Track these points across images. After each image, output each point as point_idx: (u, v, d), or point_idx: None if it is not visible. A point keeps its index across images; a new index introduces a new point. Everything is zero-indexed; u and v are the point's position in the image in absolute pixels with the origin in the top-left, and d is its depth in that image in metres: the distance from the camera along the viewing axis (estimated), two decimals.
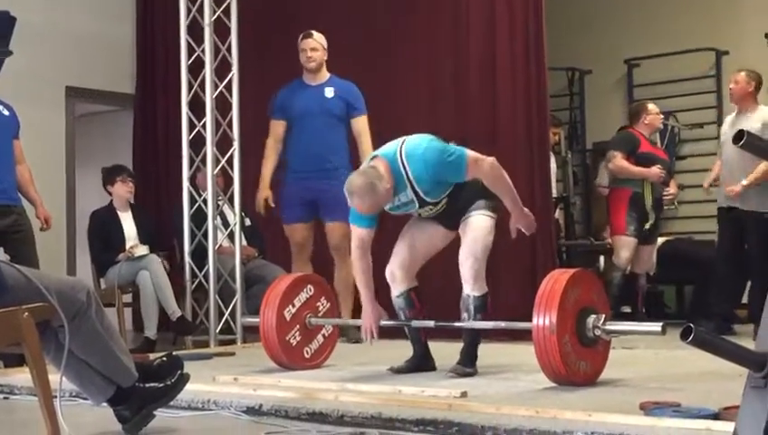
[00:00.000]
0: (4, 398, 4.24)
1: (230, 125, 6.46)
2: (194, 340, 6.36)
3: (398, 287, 4.40)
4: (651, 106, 6.86)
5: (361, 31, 6.89)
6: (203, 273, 6.37)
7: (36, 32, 7.03)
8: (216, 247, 6.35)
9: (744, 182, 6.07)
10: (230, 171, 6.47)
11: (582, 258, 7.95)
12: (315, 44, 6.04)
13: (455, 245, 4.33)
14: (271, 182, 6.12)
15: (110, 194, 6.78)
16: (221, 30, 6.49)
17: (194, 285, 6.44)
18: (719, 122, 8.44)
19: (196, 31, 6.49)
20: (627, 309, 6.99)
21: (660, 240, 7.26)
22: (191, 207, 6.46)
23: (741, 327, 6.39)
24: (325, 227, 6.02)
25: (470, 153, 4.15)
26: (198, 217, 6.45)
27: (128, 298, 6.62)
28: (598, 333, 3.83)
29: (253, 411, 3.60)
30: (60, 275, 3.42)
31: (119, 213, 6.72)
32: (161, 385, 3.28)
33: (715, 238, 6.79)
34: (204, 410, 3.69)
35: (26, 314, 2.84)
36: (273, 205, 6.13)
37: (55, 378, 2.93)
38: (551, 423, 3.03)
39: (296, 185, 6.03)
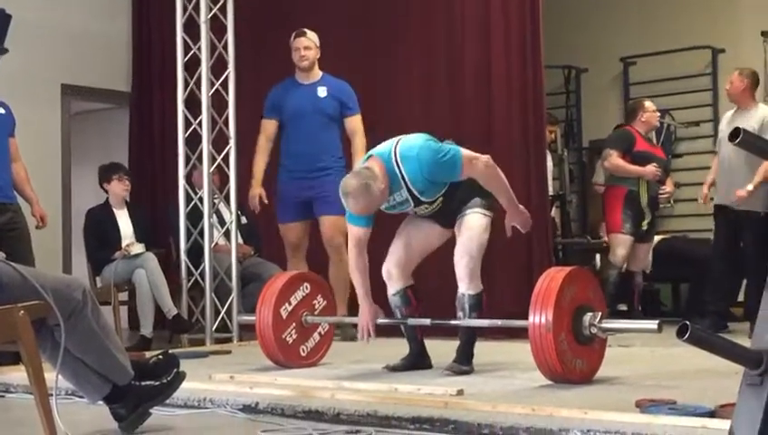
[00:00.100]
0: (0, 396, 4.24)
1: (226, 123, 6.46)
2: (190, 338, 6.36)
3: (394, 285, 4.40)
4: (648, 104, 6.85)
5: (356, 29, 6.88)
6: (199, 271, 6.37)
7: (32, 29, 7.01)
8: (212, 245, 6.35)
9: (750, 187, 6.03)
10: (226, 169, 6.47)
11: (578, 256, 7.95)
12: (308, 43, 6.03)
13: (451, 243, 4.33)
14: (263, 180, 6.12)
15: (107, 192, 6.77)
16: (217, 27, 6.48)
17: (190, 284, 6.44)
18: (715, 120, 8.46)
19: (192, 28, 6.48)
20: (623, 307, 7.00)
21: (656, 238, 7.27)
22: (187, 206, 6.46)
23: (736, 325, 6.41)
24: (319, 221, 6.02)
25: (465, 152, 4.14)
26: (194, 216, 6.44)
27: (123, 296, 6.62)
28: (594, 330, 3.83)
29: (249, 410, 3.60)
30: (56, 274, 3.41)
31: (114, 211, 6.71)
32: (157, 383, 3.28)
33: (711, 236, 6.79)
34: (200, 409, 3.69)
35: (22, 312, 2.84)
36: (266, 201, 6.13)
37: (51, 376, 2.93)
38: (547, 421, 3.03)
39: (290, 184, 6.03)
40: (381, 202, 4.12)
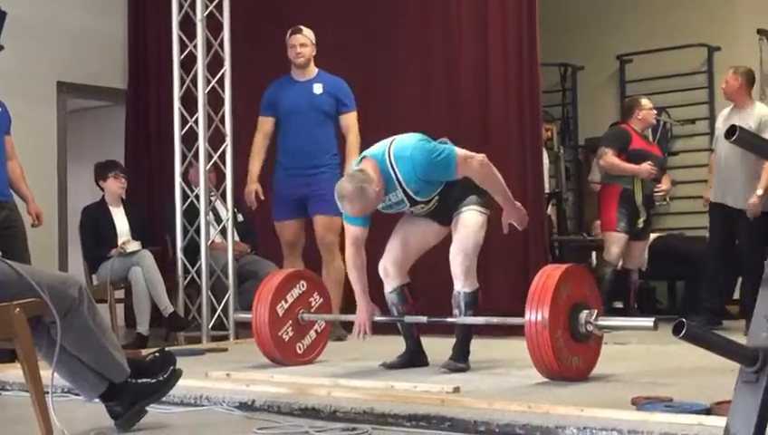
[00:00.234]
0: None
1: (222, 120, 6.46)
2: (186, 336, 6.35)
3: (390, 283, 4.41)
4: (645, 101, 6.85)
5: (352, 26, 6.88)
6: (195, 269, 6.36)
7: (27, 27, 7.01)
8: (209, 243, 6.35)
9: (760, 192, 6.01)
10: (222, 167, 6.46)
11: (574, 254, 7.97)
12: (304, 40, 6.02)
13: (447, 241, 4.33)
14: (259, 177, 6.12)
15: (103, 190, 6.77)
16: (213, 25, 6.47)
17: (186, 281, 6.43)
18: (711, 118, 8.47)
19: (188, 26, 6.48)
20: (619, 305, 7.01)
21: (652, 236, 7.27)
22: (183, 203, 6.46)
23: (731, 322, 6.41)
24: (312, 220, 6.02)
25: (459, 151, 4.14)
26: (191, 213, 6.43)
27: (120, 294, 6.62)
28: (590, 328, 3.84)
29: (245, 407, 3.60)
30: (52, 271, 3.41)
31: (110, 208, 6.71)
32: (153, 381, 3.27)
33: (706, 234, 6.80)
34: (196, 406, 3.68)
35: (18, 309, 2.84)
36: (262, 197, 6.12)
37: (47, 374, 2.92)
38: (543, 418, 3.03)
39: (286, 182, 6.02)
40: (377, 204, 4.13)
